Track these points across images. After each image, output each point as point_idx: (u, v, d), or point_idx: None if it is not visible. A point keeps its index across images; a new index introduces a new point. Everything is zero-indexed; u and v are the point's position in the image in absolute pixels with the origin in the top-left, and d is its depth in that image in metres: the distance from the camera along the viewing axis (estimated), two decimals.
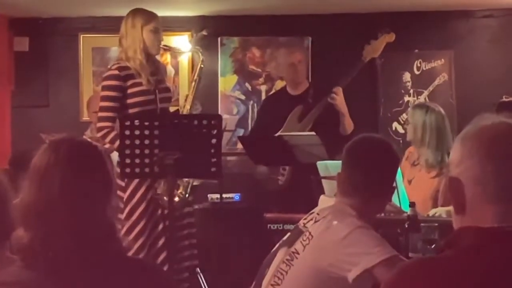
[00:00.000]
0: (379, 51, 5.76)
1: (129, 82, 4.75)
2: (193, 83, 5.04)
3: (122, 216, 4.64)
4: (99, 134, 4.73)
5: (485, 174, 1.77)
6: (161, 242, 4.67)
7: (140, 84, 4.75)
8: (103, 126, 4.72)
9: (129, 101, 4.75)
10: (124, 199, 4.66)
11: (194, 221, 4.97)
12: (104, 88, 4.81)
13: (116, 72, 4.76)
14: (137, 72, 4.75)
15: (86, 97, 7.23)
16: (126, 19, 4.87)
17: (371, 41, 5.74)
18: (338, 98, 5.54)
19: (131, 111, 4.75)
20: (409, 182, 4.91)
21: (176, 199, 4.75)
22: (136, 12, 4.89)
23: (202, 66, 5.08)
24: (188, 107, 4.94)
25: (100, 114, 4.77)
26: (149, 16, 4.86)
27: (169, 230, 4.07)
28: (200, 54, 5.18)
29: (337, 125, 5.58)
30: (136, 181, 4.66)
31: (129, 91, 4.75)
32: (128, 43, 4.81)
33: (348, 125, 5.61)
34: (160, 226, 4.69)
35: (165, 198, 4.65)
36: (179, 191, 4.81)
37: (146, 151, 3.98)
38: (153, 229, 4.67)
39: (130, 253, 2.30)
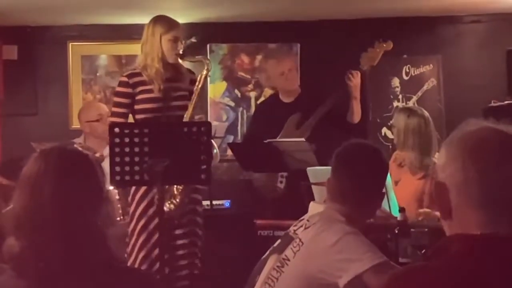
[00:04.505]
0: (376, 59, 5.64)
1: (138, 89, 4.82)
2: (197, 91, 4.95)
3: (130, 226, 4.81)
4: None
5: (468, 179, 1.77)
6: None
7: (149, 91, 4.80)
8: None
9: (137, 107, 4.82)
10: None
11: (194, 231, 4.97)
12: (115, 94, 4.98)
13: (125, 79, 4.85)
14: (150, 79, 4.79)
15: (75, 105, 7.23)
16: (148, 26, 4.90)
17: (368, 49, 5.66)
18: (354, 80, 5.50)
19: (138, 117, 4.83)
20: (396, 183, 4.95)
21: (172, 207, 4.78)
22: (157, 20, 4.91)
23: (209, 75, 5.02)
24: (188, 116, 4.88)
25: (111, 119, 4.88)
26: (169, 25, 4.89)
27: (160, 239, 4.06)
28: (208, 63, 5.07)
29: (336, 130, 5.51)
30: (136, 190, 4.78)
31: (138, 97, 4.82)
32: (147, 49, 4.85)
33: (357, 112, 5.58)
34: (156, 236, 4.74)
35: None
36: (175, 199, 4.81)
37: (136, 159, 3.97)
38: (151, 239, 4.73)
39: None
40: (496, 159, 1.78)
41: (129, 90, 4.82)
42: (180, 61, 4.94)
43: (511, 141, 1.81)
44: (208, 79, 7.07)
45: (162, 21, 4.90)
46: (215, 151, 4.81)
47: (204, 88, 4.98)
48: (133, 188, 4.78)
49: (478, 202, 1.77)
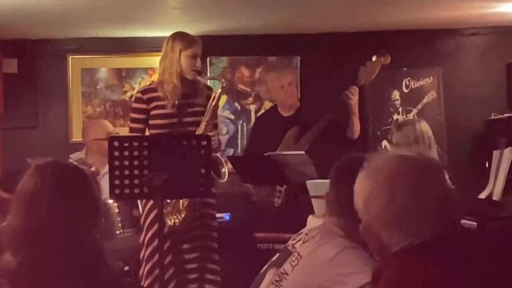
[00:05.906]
0: (374, 73, 5.64)
1: (153, 104, 4.87)
2: (210, 108, 4.93)
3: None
4: None
5: (397, 211, 1.98)
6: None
7: (163, 107, 4.85)
8: None
9: (151, 122, 4.88)
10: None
11: (205, 245, 4.96)
12: (131, 110, 5.02)
13: (140, 95, 4.92)
14: (165, 94, 4.81)
15: (75, 118, 7.23)
16: (167, 42, 4.92)
17: (366, 63, 5.65)
18: (354, 98, 5.52)
19: (152, 132, 4.87)
20: None
21: (177, 221, 4.79)
22: (177, 35, 4.93)
23: (222, 94, 5.01)
24: (200, 132, 4.86)
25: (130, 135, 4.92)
26: (189, 41, 4.90)
27: (160, 255, 4.05)
28: (223, 81, 5.05)
29: (335, 144, 5.50)
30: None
31: (152, 113, 4.87)
32: (166, 64, 4.88)
33: (357, 128, 5.60)
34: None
35: (168, 221, 4.73)
36: (180, 215, 4.81)
37: (135, 172, 3.97)
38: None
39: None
40: (413, 186, 1.99)
41: (144, 105, 4.87)
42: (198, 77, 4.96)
43: (422, 166, 2.02)
44: None
45: (182, 37, 4.92)
46: (223, 170, 4.80)
47: (218, 106, 4.98)
48: (144, 200, 4.82)
49: (400, 229, 1.98)
